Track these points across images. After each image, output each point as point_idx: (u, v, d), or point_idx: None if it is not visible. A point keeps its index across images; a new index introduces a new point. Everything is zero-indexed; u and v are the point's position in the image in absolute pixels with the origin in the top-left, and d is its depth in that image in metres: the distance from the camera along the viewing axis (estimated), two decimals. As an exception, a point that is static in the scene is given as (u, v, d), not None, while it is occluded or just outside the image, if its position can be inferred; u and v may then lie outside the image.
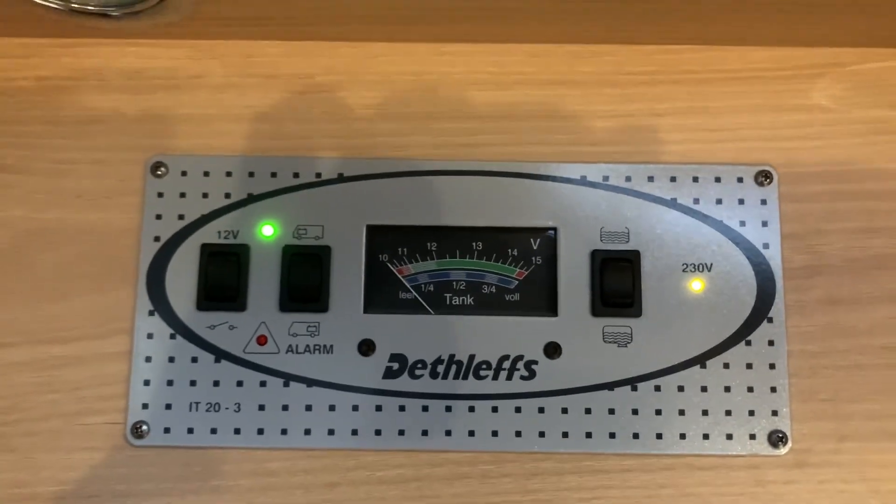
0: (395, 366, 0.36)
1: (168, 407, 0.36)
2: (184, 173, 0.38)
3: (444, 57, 0.40)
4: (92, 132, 0.39)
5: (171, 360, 0.37)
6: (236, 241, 0.37)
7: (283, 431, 0.36)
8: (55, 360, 0.37)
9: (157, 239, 0.37)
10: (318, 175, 0.38)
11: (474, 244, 0.38)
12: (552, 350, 0.36)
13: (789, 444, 0.36)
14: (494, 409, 0.36)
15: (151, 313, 0.37)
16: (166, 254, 0.37)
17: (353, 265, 0.37)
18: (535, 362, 0.36)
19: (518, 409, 0.36)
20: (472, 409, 0.36)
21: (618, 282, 0.37)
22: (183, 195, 0.38)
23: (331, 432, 0.36)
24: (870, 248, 0.37)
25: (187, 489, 0.36)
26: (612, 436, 0.36)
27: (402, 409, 0.36)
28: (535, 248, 0.38)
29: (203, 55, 0.39)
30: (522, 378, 0.36)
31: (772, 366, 0.36)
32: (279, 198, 0.38)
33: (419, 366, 0.36)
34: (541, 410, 0.36)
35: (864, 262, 0.37)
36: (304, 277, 0.37)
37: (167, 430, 0.36)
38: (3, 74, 0.39)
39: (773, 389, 0.36)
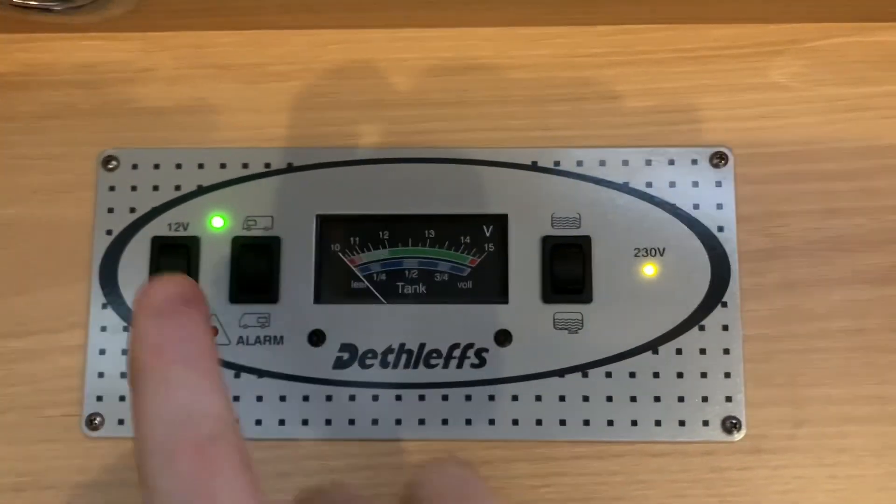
0: (346, 356, 0.36)
1: (122, 399, 0.37)
2: (135, 166, 0.38)
3: (398, 43, 0.39)
4: (46, 128, 0.39)
5: (125, 352, 0.37)
6: (187, 234, 0.37)
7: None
8: (13, 354, 0.37)
9: (109, 232, 0.38)
10: (268, 165, 0.38)
11: (427, 232, 0.38)
12: (502, 338, 0.36)
13: (744, 429, 0.35)
14: (444, 398, 0.36)
15: (105, 306, 0.37)
16: (118, 247, 0.38)
17: (304, 255, 0.37)
18: (486, 350, 0.36)
19: (468, 398, 0.36)
20: (422, 397, 0.36)
21: (568, 268, 0.36)
22: (134, 188, 0.38)
23: (282, 422, 0.36)
24: (828, 230, 0.37)
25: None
26: (563, 423, 0.36)
27: (352, 398, 0.36)
28: (487, 234, 0.37)
29: (154, 48, 0.40)
30: (472, 366, 0.36)
31: (726, 351, 0.36)
32: (228, 189, 0.38)
33: (369, 355, 0.36)
34: (491, 398, 0.36)
35: (822, 244, 0.37)
36: (254, 268, 0.37)
37: (121, 422, 0.36)
38: (-41, 72, 0.40)
39: (728, 375, 0.36)
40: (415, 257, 0.38)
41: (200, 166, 0.38)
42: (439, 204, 0.37)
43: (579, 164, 0.37)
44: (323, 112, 0.39)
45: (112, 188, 0.38)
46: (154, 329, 0.25)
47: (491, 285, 0.37)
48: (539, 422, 0.36)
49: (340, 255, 0.38)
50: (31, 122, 0.39)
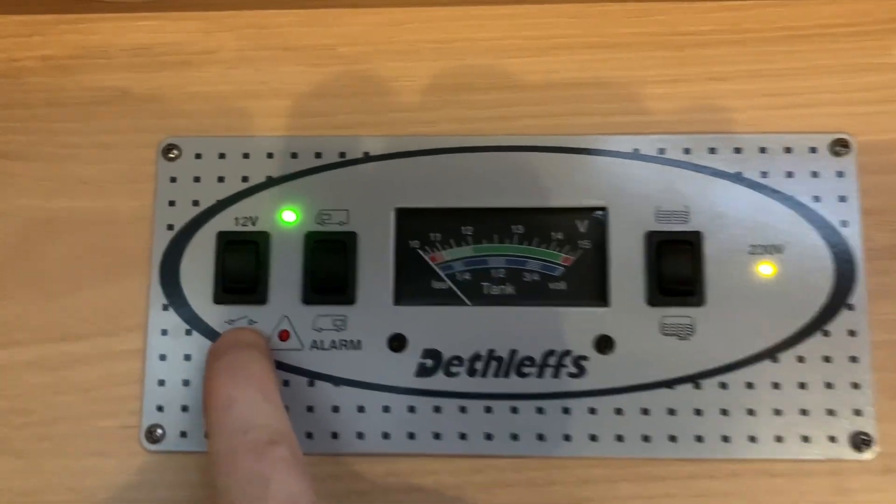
0: (429, 362, 0.33)
1: (185, 409, 0.33)
2: (198, 156, 0.35)
3: (476, 22, 0.36)
4: (99, 114, 0.36)
5: (188, 357, 0.34)
6: (255, 229, 0.34)
7: (309, 435, 0.33)
8: (65, 359, 0.34)
9: (170, 227, 0.35)
10: (342, 155, 0.35)
11: (514, 227, 0.34)
12: (604, 344, 0.33)
13: (875, 447, 0.32)
14: (540, 411, 0.33)
15: (165, 308, 0.34)
16: (180, 243, 0.34)
17: (382, 252, 0.34)
18: (585, 358, 0.33)
19: (566, 410, 0.33)
20: (514, 409, 0.33)
21: (677, 267, 0.33)
22: (197, 179, 0.35)
23: (360, 436, 0.33)
24: (964, 224, 0.33)
25: (205, 497, 0.33)
26: (673, 439, 0.32)
27: (437, 409, 0.33)
28: (582, 230, 0.34)
29: (215, 28, 0.36)
30: (571, 375, 0.33)
31: (853, 359, 0.32)
32: (300, 180, 0.35)
33: (455, 362, 0.33)
34: (592, 411, 0.33)
35: (957, 239, 0.33)
36: (329, 266, 0.33)
37: (184, 435, 0.33)
38: (7, 55, 0.37)
39: (856, 386, 0.32)
40: (501, 255, 0.34)
41: (270, 156, 0.35)
42: (528, 196, 0.34)
43: (686, 151, 0.34)
44: (398, 97, 0.36)
45: (173, 179, 0.35)
46: (220, 363, 0.30)
47: (587, 286, 0.34)
48: (646, 438, 0.32)
49: (420, 252, 0.34)
50: (82, 109, 0.36)
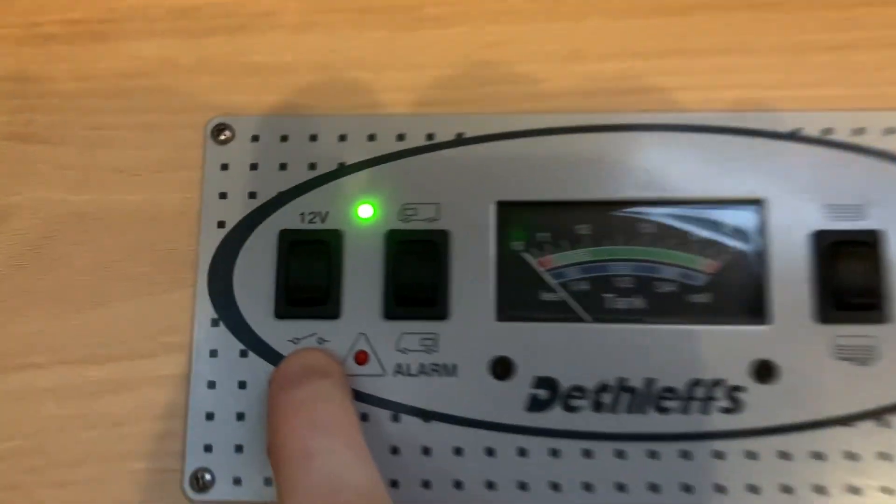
0: (543, 393, 0.27)
1: (239, 449, 0.27)
2: (255, 138, 0.29)
3: (594, -22, 0.30)
4: (137, 89, 0.31)
5: (242, 385, 0.28)
6: (325, 226, 0.28)
7: (394, 483, 0.27)
8: (91, 386, 0.29)
9: (221, 224, 0.29)
10: (430, 137, 0.29)
11: (643, 226, 0.28)
12: (764, 371, 0.26)
13: None
14: (685, 455, 0.26)
15: (215, 323, 0.28)
16: (234, 244, 0.29)
17: (480, 256, 0.28)
18: (741, 388, 0.26)
19: (719, 455, 0.26)
20: (653, 454, 0.26)
21: (855, 274, 0.27)
22: (254, 167, 0.29)
23: (458, 485, 0.27)
24: None
25: (266, 561, 0.27)
26: (854, 490, 0.26)
27: (554, 453, 0.27)
28: (731, 229, 0.28)
29: (276, -14, 0.31)
30: (723, 410, 0.26)
31: None
32: (379, 167, 0.29)
33: (576, 394, 0.27)
34: (751, 455, 0.26)
35: None
36: (416, 273, 0.28)
37: (237, 481, 0.27)
38: (26, 19, 0.31)
39: None
40: (627, 260, 0.28)
41: (342, 138, 0.29)
42: (661, 186, 0.28)
43: (858, 132, 0.28)
44: (498, 67, 0.30)
45: (225, 166, 0.29)
46: (288, 398, 0.25)
47: (739, 299, 0.27)
48: (819, 489, 0.26)
49: (527, 255, 0.28)
50: (117, 82, 0.31)
